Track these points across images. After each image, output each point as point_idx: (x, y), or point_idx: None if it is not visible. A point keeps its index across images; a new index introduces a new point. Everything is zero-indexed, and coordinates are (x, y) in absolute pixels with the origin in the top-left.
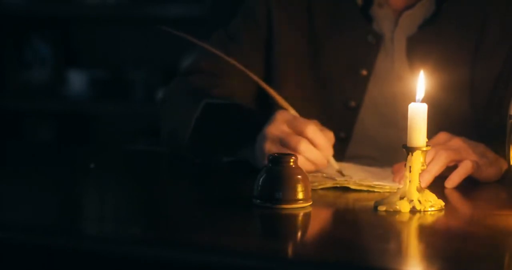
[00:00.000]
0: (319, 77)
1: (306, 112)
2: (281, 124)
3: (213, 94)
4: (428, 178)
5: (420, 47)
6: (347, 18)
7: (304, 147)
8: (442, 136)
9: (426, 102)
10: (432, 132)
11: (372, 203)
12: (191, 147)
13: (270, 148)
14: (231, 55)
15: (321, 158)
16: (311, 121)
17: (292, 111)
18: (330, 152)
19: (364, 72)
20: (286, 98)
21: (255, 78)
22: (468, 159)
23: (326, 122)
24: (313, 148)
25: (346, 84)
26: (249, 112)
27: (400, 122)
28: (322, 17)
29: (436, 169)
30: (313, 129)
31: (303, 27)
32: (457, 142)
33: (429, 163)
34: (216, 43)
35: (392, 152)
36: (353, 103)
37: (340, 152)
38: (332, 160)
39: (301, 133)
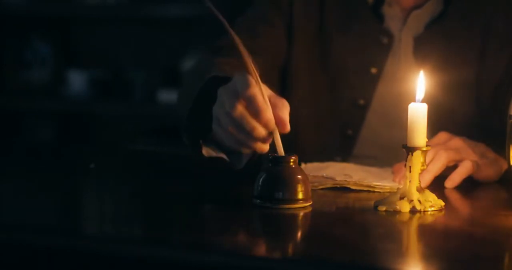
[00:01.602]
0: (329, 75)
1: (315, 109)
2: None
3: (220, 70)
4: (428, 178)
5: (426, 47)
6: (358, 17)
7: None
8: (442, 136)
9: (431, 102)
10: (436, 131)
11: (372, 203)
12: (186, 128)
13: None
14: (261, 35)
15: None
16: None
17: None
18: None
19: (374, 70)
20: (297, 89)
21: (245, 53)
22: (468, 159)
23: (334, 119)
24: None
25: (356, 82)
26: None
27: (405, 123)
28: (334, 15)
29: (436, 169)
30: (239, 112)
31: (315, 24)
32: (457, 142)
33: (429, 163)
34: (243, 27)
35: (396, 152)
36: (362, 102)
37: (347, 150)
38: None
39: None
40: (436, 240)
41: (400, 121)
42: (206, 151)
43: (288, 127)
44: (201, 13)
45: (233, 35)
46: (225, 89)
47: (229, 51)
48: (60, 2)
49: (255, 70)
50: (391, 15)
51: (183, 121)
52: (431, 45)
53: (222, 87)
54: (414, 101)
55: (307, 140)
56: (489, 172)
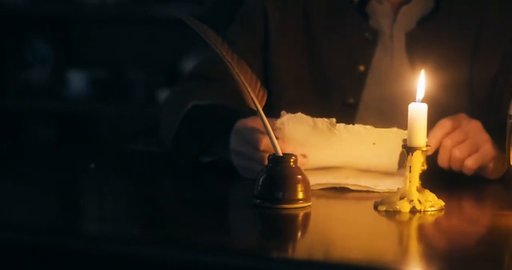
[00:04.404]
0: (317, 75)
1: (305, 110)
2: (239, 139)
3: (204, 95)
4: (434, 143)
5: (419, 43)
6: (343, 16)
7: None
8: (460, 116)
9: (426, 101)
10: (430, 130)
11: (372, 203)
12: (174, 148)
13: (238, 162)
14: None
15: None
16: (263, 134)
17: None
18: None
19: (362, 68)
20: (285, 97)
21: (237, 77)
22: (483, 144)
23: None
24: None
25: (344, 80)
26: (227, 112)
27: (399, 120)
28: (319, 15)
29: (439, 133)
30: (265, 145)
31: (299, 25)
32: (474, 125)
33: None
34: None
35: None
36: (351, 100)
37: None
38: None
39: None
40: (436, 240)
41: (393, 118)
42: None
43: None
44: (201, 13)
45: (231, 64)
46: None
47: (212, 78)
48: (60, 2)
49: (256, 100)
50: (381, 11)
51: (171, 148)
52: (424, 42)
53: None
54: (407, 98)
55: None
56: (496, 165)
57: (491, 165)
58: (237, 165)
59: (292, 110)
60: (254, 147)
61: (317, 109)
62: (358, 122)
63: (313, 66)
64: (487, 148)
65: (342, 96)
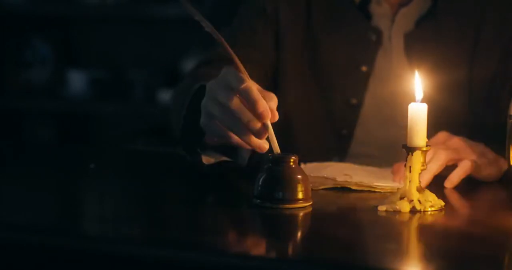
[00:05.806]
0: (319, 75)
1: (309, 111)
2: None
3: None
4: (428, 178)
5: (418, 44)
6: (345, 16)
7: (235, 101)
8: (441, 135)
9: (425, 101)
10: (430, 131)
11: (372, 203)
12: (183, 133)
13: (212, 108)
14: (243, 44)
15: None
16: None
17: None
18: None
19: (364, 68)
20: (289, 98)
21: (230, 50)
22: (467, 159)
23: (328, 120)
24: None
25: (347, 81)
26: None
27: (399, 121)
28: (321, 15)
29: (435, 168)
30: (236, 103)
31: (300, 25)
32: (456, 142)
33: (428, 162)
34: (227, 37)
35: (392, 151)
36: (354, 101)
37: (343, 150)
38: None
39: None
40: (436, 240)
41: (394, 119)
42: (205, 159)
43: (276, 116)
44: (201, 13)
45: (221, 39)
46: (217, 84)
47: (217, 63)
48: (60, 2)
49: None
50: (380, 13)
51: (178, 136)
52: (423, 42)
53: (212, 82)
54: (408, 99)
55: (303, 142)
56: (489, 172)
57: (482, 174)
58: (204, 126)
59: (297, 106)
60: (221, 105)
61: (320, 110)
62: (360, 123)
63: (315, 67)
64: (465, 163)
65: (345, 96)
